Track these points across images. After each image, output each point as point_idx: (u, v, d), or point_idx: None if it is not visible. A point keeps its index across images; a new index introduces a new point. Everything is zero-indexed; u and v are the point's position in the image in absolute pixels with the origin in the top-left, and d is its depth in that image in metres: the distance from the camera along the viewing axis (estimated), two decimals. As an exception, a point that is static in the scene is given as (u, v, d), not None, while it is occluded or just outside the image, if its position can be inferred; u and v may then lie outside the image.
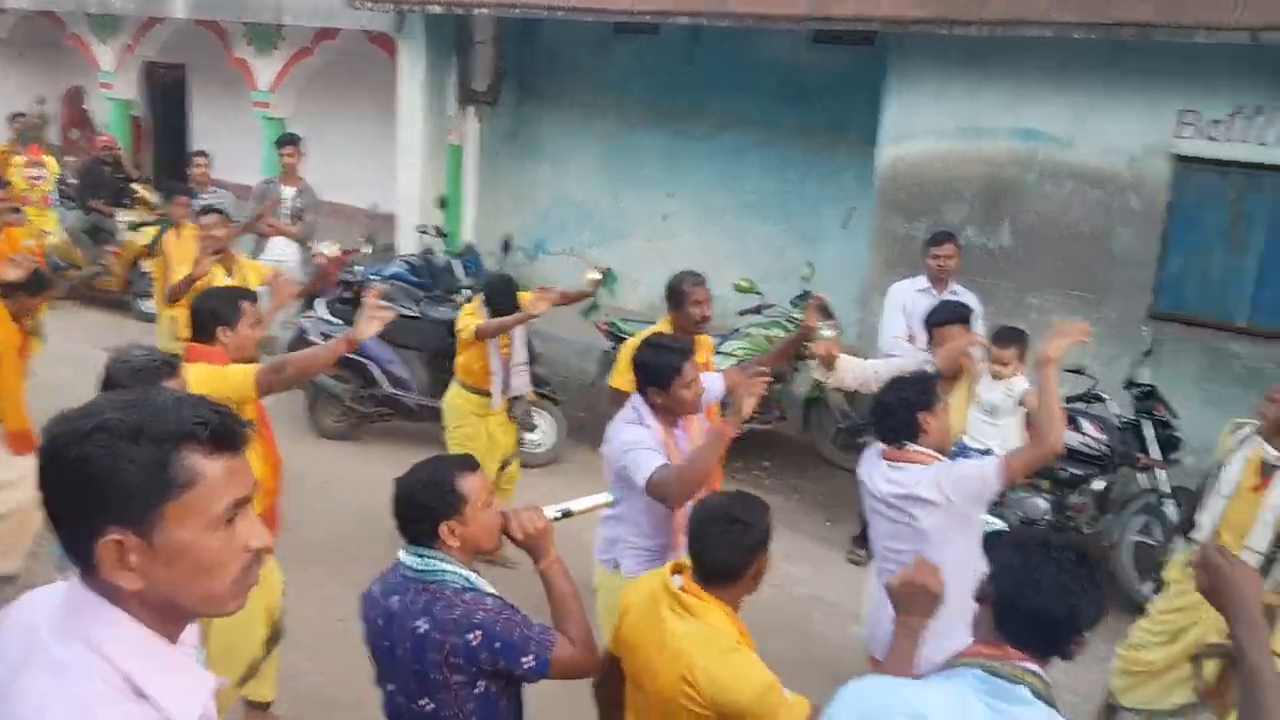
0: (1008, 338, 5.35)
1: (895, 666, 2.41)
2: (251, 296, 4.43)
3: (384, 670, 2.66)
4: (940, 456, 3.56)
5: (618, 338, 8.01)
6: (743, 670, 2.48)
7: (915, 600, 2.47)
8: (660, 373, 3.76)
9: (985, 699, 1.88)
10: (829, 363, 4.52)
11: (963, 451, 4.50)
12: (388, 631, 2.59)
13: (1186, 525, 4.61)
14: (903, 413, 3.54)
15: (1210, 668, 4.29)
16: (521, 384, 6.34)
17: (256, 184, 9.52)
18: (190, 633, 1.57)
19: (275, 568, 4.44)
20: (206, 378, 4.10)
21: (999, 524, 3.63)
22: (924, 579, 2.47)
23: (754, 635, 2.67)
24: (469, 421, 6.24)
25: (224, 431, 1.46)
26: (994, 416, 4.87)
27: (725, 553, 2.55)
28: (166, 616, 1.47)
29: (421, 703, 2.56)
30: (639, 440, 3.69)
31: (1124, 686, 4.67)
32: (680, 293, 5.07)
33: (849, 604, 5.89)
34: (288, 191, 9.00)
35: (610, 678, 2.80)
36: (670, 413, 3.83)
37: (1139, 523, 6.18)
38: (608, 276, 6.21)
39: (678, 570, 2.67)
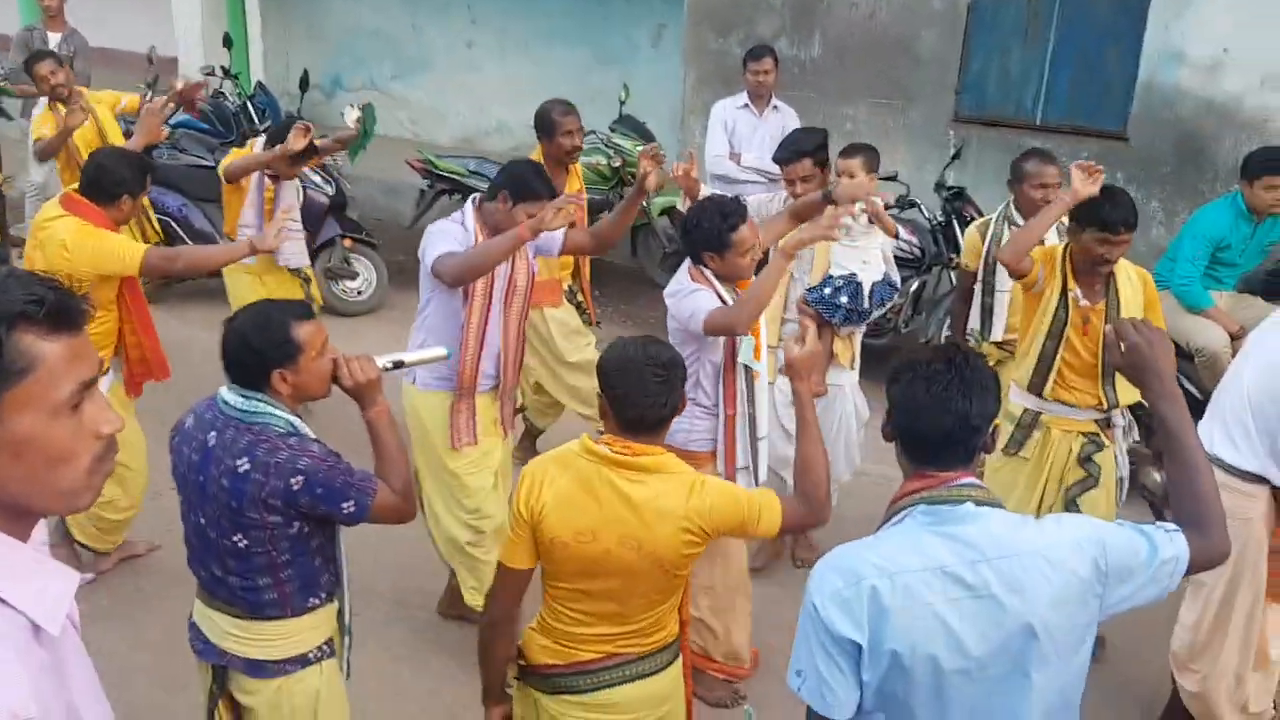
0: (854, 149, 5.36)
1: (809, 430, 2.60)
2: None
3: (193, 503, 2.64)
4: (718, 286, 3.56)
5: (434, 175, 7.73)
6: (723, 493, 2.50)
7: (813, 366, 2.71)
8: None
9: (935, 531, 1.92)
10: (693, 191, 4.40)
11: (827, 282, 4.54)
12: (202, 467, 2.57)
13: (963, 326, 4.93)
14: (696, 233, 3.56)
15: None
16: (293, 253, 5.48)
17: (17, 33, 8.56)
18: (40, 530, 1.44)
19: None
20: (85, 237, 3.83)
21: (754, 362, 3.66)
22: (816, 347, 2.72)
23: None
24: (242, 283, 5.39)
25: (61, 309, 1.31)
26: (850, 238, 4.91)
27: (664, 401, 2.49)
28: (14, 515, 1.34)
29: (235, 539, 2.57)
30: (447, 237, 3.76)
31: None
32: (551, 122, 4.89)
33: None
34: (54, 38, 8.14)
35: (514, 606, 2.62)
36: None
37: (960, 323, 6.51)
38: (367, 113, 5.76)
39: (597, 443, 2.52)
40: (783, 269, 3.55)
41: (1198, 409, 5.33)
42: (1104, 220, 3.70)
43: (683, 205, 4.69)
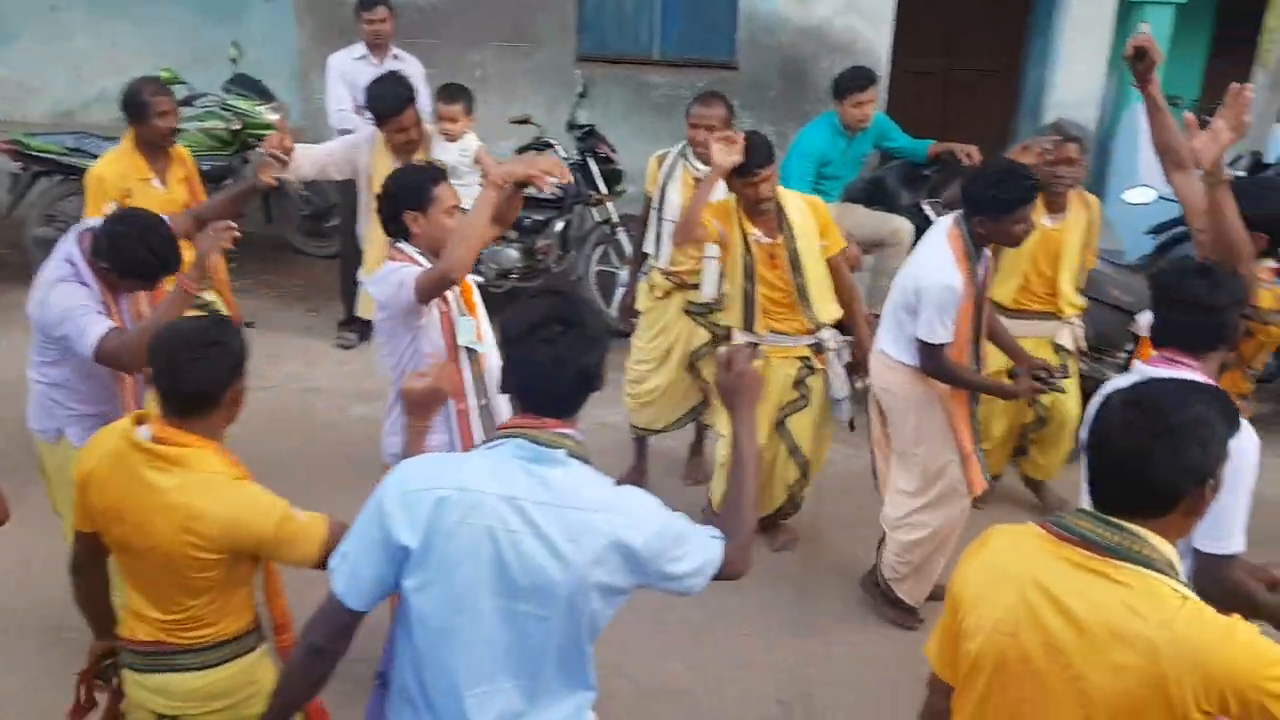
0: (453, 94, 5.35)
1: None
2: None
3: None
4: (422, 261, 3.32)
5: (27, 157, 6.96)
6: (254, 504, 2.38)
7: (428, 405, 2.58)
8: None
9: (523, 464, 1.99)
10: (285, 153, 4.18)
11: None
12: None
13: (640, 253, 5.08)
14: (389, 208, 3.35)
15: (707, 368, 4.85)
16: None
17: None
18: None
19: None
20: None
21: (477, 344, 3.49)
22: (441, 383, 2.57)
23: (260, 439, 2.55)
24: None
25: None
26: (454, 179, 4.91)
27: (204, 379, 2.38)
28: None
29: None
30: (76, 303, 3.25)
31: (643, 415, 5.10)
32: (141, 104, 4.45)
33: (347, 387, 5.92)
34: None
35: (89, 562, 2.61)
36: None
37: (598, 254, 6.71)
38: None
39: (140, 421, 2.42)
40: (491, 200, 3.31)
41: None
42: (741, 169, 4.01)
43: (283, 173, 4.36)
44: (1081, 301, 4.68)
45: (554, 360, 2.02)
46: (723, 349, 2.53)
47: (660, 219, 4.87)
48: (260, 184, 4.07)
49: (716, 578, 2.12)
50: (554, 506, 1.97)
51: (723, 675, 3.92)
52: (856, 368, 4.37)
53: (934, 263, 3.72)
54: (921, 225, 5.71)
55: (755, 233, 4.17)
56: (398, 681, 2.09)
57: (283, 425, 5.54)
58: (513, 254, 6.65)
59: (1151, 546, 1.81)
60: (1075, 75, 7.27)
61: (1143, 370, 2.69)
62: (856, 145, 5.79)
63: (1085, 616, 1.79)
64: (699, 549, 2.09)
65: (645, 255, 4.98)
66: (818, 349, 4.33)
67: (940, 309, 3.68)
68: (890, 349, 3.95)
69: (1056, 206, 4.49)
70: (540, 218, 6.67)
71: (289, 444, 5.34)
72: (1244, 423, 2.36)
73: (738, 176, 4.05)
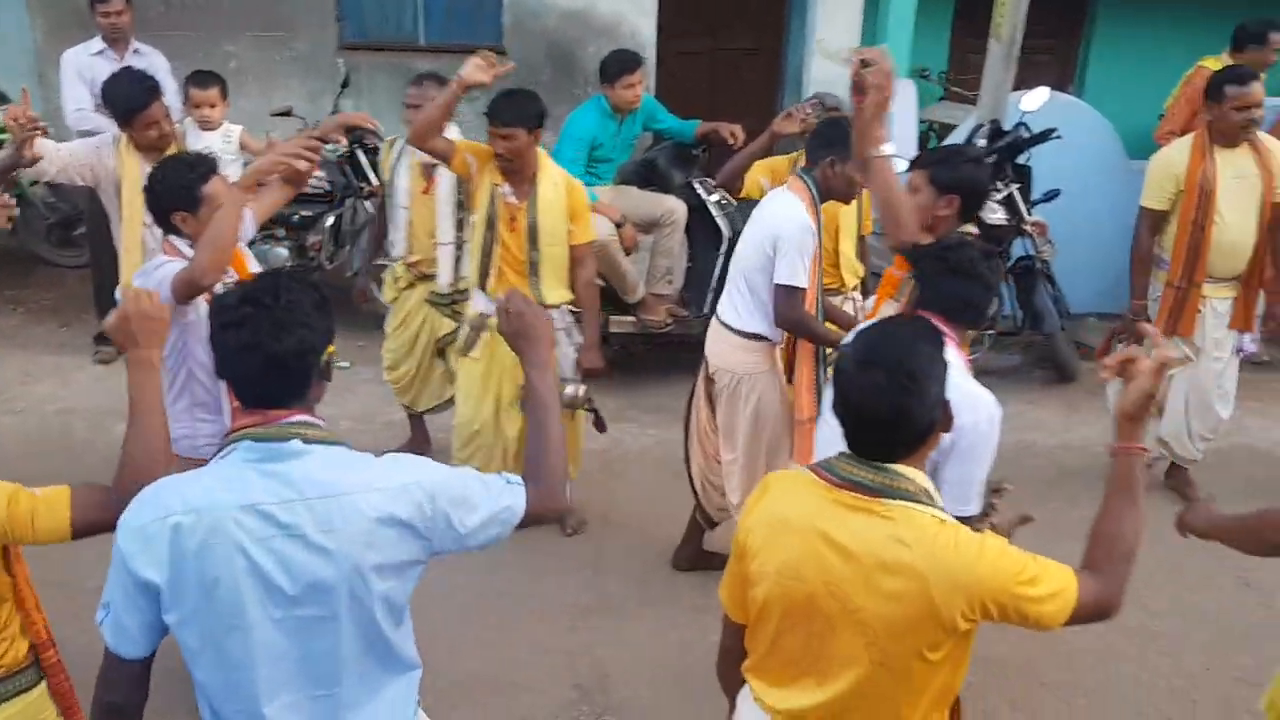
0: (204, 80, 5.25)
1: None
2: None
3: None
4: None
5: None
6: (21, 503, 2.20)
7: (127, 333, 2.27)
8: None
9: (255, 466, 1.88)
10: (31, 126, 3.85)
11: None
12: None
13: (381, 243, 5.05)
14: (162, 192, 3.18)
15: (454, 356, 4.77)
16: None
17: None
18: None
19: None
20: None
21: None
22: (132, 309, 2.26)
23: (15, 466, 2.31)
24: None
25: None
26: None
27: None
28: None
29: None
30: None
31: (405, 397, 5.10)
32: None
33: (106, 405, 5.55)
34: None
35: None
36: None
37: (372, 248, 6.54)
38: None
39: None
40: (240, 201, 3.19)
41: (600, 297, 5.89)
42: (489, 112, 4.04)
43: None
44: (862, 270, 4.87)
45: (241, 346, 1.90)
46: (500, 295, 2.44)
47: (395, 206, 4.83)
48: (23, 157, 3.77)
49: (526, 523, 2.06)
50: (301, 501, 1.86)
51: (521, 662, 3.91)
52: (590, 373, 4.40)
53: (787, 210, 3.77)
54: (694, 204, 5.85)
55: (505, 188, 4.15)
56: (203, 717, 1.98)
57: (39, 450, 5.17)
58: (282, 252, 6.40)
59: (909, 480, 1.99)
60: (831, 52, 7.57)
61: None
62: (627, 128, 5.86)
63: (859, 553, 1.96)
64: (491, 499, 2.01)
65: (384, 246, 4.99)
66: None
67: (800, 250, 3.71)
68: (734, 320, 3.94)
69: None
70: (309, 213, 6.44)
71: (47, 469, 4.95)
72: (985, 397, 2.57)
73: (488, 118, 4.06)
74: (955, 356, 2.30)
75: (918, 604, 1.92)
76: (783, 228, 3.74)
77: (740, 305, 3.93)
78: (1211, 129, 4.58)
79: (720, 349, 4.03)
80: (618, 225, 5.71)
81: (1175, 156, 4.67)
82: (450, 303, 4.75)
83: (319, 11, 7.46)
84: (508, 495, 2.04)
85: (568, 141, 5.73)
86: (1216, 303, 4.70)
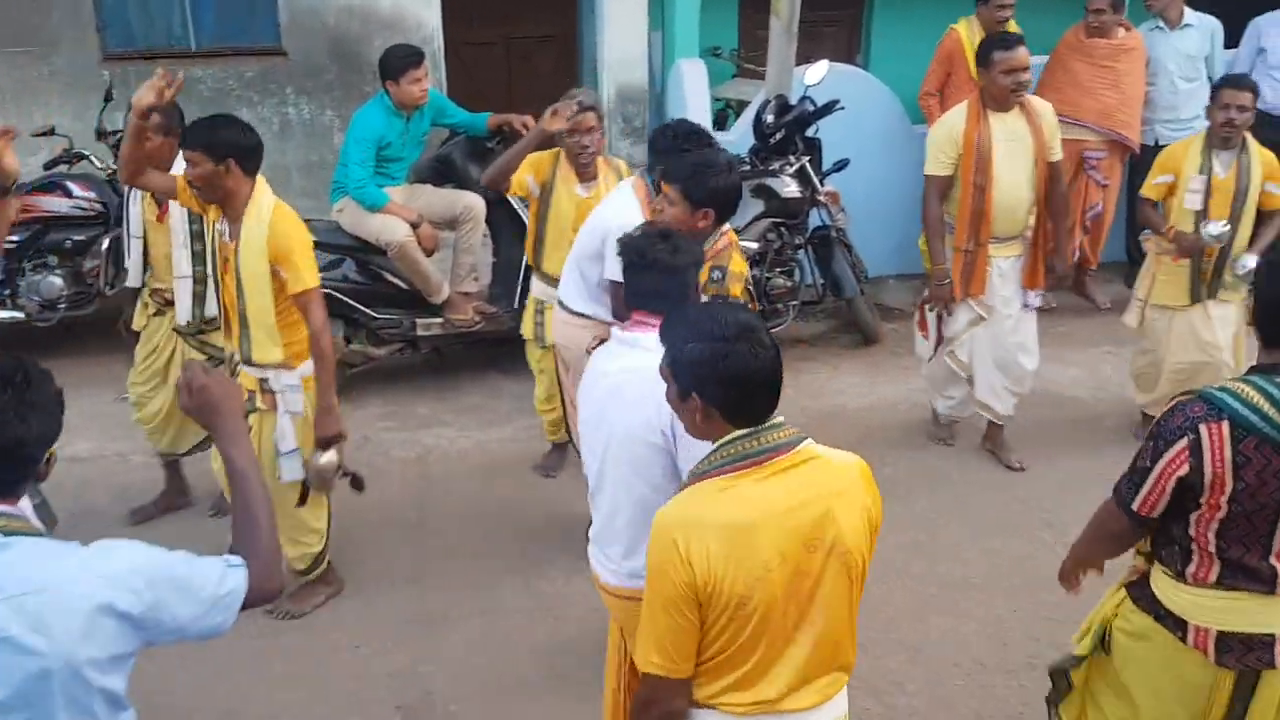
0: None
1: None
2: None
3: None
4: None
5: None
6: None
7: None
8: None
9: None
10: None
11: None
12: None
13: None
14: None
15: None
16: None
17: None
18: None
19: None
20: None
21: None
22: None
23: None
24: None
25: None
26: None
27: None
28: None
29: None
30: None
31: (164, 440, 4.70)
32: None
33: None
34: None
35: None
36: None
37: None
38: None
39: None
40: None
41: (404, 300, 5.74)
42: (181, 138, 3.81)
43: None
44: None
45: None
46: (181, 374, 2.22)
47: (129, 235, 4.56)
48: None
49: (250, 605, 1.94)
50: (4, 600, 1.71)
51: (336, 692, 3.74)
52: (328, 441, 3.83)
53: (620, 207, 3.92)
54: (493, 198, 5.73)
55: (222, 225, 3.78)
56: None
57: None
58: (56, 281, 5.99)
59: (778, 426, 2.14)
60: (622, 37, 7.55)
61: (620, 336, 2.86)
62: (415, 125, 5.70)
63: (816, 502, 2.09)
64: (212, 584, 1.88)
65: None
66: (265, 386, 3.84)
67: None
68: (572, 302, 4.19)
69: (587, 175, 4.59)
70: (83, 237, 6.03)
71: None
72: None
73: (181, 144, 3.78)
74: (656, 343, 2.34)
75: (868, 521, 2.16)
76: (612, 225, 3.76)
77: (574, 288, 4.17)
78: (984, 94, 4.75)
79: (562, 329, 4.29)
80: (414, 225, 5.55)
81: (953, 122, 4.82)
82: (197, 333, 4.46)
83: (77, 22, 6.98)
84: (230, 578, 1.92)
85: (353, 144, 5.54)
86: (1001, 261, 4.89)
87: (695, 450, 2.36)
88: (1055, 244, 4.97)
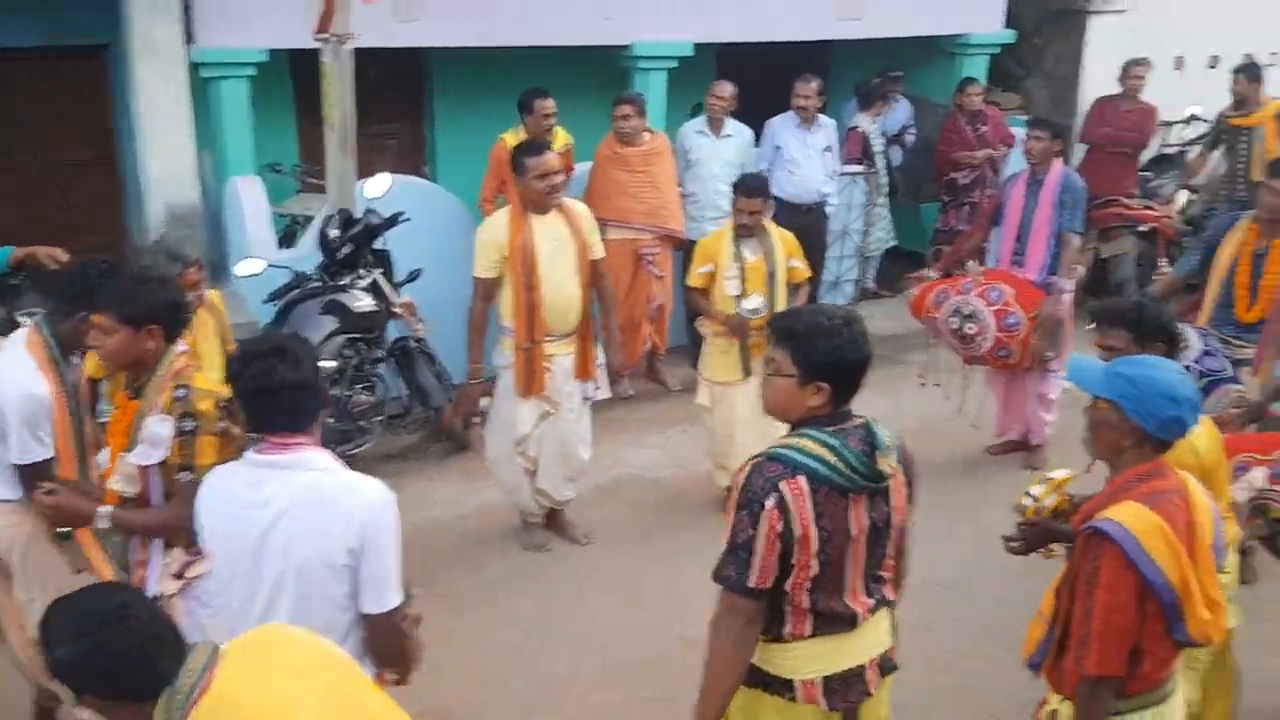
0: None
1: None
2: None
3: None
4: None
5: None
6: None
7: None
8: None
9: None
10: None
11: None
12: None
13: None
14: None
15: None
16: None
17: None
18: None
19: None
20: None
21: None
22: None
23: None
24: None
25: None
26: None
27: None
28: None
29: None
30: None
31: None
32: None
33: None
34: None
35: None
36: None
37: None
38: None
39: None
40: None
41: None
42: None
43: None
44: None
45: None
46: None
47: None
48: None
49: None
50: None
51: None
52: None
53: (9, 374, 3.48)
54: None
55: None
56: None
57: None
58: None
59: None
60: (164, 157, 7.11)
61: (255, 459, 2.63)
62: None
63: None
64: None
65: None
66: None
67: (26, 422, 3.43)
68: None
69: None
70: None
71: None
72: (376, 487, 2.66)
73: None
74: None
75: None
76: (10, 396, 3.44)
77: None
78: (524, 199, 4.94)
79: None
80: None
81: (496, 227, 5.00)
82: None
83: None
84: None
85: None
86: (560, 359, 5.09)
87: (385, 559, 2.51)
88: (608, 335, 5.26)
